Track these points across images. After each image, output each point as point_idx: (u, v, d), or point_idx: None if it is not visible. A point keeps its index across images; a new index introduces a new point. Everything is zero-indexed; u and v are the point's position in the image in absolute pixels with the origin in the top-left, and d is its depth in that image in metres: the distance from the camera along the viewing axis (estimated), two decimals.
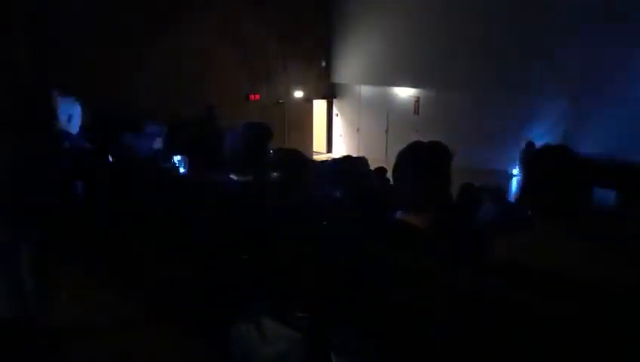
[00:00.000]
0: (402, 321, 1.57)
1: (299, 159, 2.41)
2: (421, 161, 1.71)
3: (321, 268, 1.91)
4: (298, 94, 13.66)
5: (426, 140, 1.80)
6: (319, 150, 14.76)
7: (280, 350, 1.88)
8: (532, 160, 1.68)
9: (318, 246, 1.95)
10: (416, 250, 1.57)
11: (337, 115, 15.23)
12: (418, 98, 13.23)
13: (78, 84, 5.10)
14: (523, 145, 10.33)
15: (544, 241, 1.55)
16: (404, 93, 13.47)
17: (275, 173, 2.25)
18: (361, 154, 8.16)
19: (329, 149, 15.16)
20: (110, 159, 3.29)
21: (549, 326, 1.28)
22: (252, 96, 12.37)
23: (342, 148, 14.75)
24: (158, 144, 5.45)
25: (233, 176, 2.16)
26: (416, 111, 13.24)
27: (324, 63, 14.28)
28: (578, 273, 1.42)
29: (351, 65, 13.96)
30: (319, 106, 14.90)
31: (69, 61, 8.20)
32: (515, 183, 11.16)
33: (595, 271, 1.43)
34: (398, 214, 1.70)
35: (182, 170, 4.05)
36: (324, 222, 2.18)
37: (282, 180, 2.26)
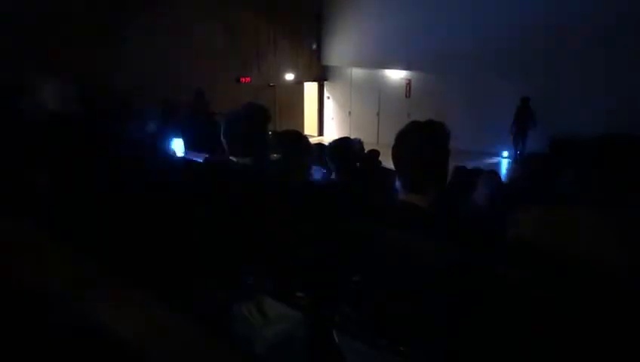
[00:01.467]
0: (401, 301, 1.59)
1: (299, 141, 2.41)
2: (421, 140, 1.72)
3: (320, 248, 1.92)
4: (289, 77, 13.56)
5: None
6: (310, 133, 14.71)
7: (281, 330, 1.89)
8: (595, 149, 1.55)
9: (318, 226, 1.96)
10: (419, 230, 1.59)
11: (329, 97, 15.16)
12: (410, 80, 13.20)
13: (69, 67, 5.02)
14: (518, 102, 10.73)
15: (587, 227, 1.49)
16: (396, 75, 13.44)
17: (275, 155, 2.26)
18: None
19: (320, 132, 15.13)
20: (104, 144, 3.25)
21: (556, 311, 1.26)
22: (243, 79, 12.27)
23: (333, 131, 14.73)
24: (150, 128, 5.40)
25: (233, 159, 2.17)
26: (408, 94, 13.23)
27: (315, 46, 14.16)
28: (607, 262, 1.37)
29: (342, 47, 13.86)
30: (310, 89, 14.82)
31: (58, 44, 8.06)
32: (505, 164, 11.27)
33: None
34: (400, 195, 1.72)
35: (178, 154, 4.04)
36: (323, 204, 2.19)
37: (283, 162, 2.27)
